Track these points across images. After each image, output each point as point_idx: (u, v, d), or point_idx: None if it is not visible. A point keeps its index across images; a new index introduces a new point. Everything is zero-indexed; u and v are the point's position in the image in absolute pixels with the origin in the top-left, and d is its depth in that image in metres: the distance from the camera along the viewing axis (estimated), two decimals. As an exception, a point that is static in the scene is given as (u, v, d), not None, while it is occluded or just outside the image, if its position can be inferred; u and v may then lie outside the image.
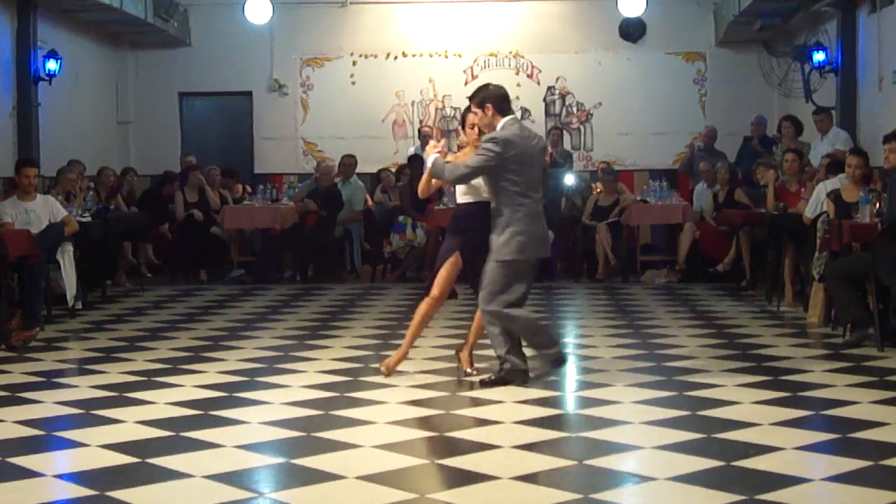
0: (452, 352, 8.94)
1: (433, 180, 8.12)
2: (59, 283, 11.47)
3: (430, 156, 7.97)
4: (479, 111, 7.96)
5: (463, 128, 8.41)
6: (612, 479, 5.54)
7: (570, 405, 7.45)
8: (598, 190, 15.43)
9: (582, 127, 18.30)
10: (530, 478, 5.45)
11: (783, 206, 12.04)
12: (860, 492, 5.18)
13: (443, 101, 18.29)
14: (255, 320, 11.35)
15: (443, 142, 8.37)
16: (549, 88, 18.28)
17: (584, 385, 7.92)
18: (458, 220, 8.17)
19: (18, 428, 6.63)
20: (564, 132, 17.72)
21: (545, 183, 15.48)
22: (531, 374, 7.88)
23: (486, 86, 8.08)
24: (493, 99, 7.91)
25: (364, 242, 15.80)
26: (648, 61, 18.12)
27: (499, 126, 7.86)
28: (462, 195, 8.10)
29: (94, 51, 17.46)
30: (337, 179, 15.60)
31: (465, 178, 7.87)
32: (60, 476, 5.68)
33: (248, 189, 16.41)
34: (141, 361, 8.89)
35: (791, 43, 16.42)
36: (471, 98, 8.07)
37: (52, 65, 14.88)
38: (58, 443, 6.38)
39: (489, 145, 7.70)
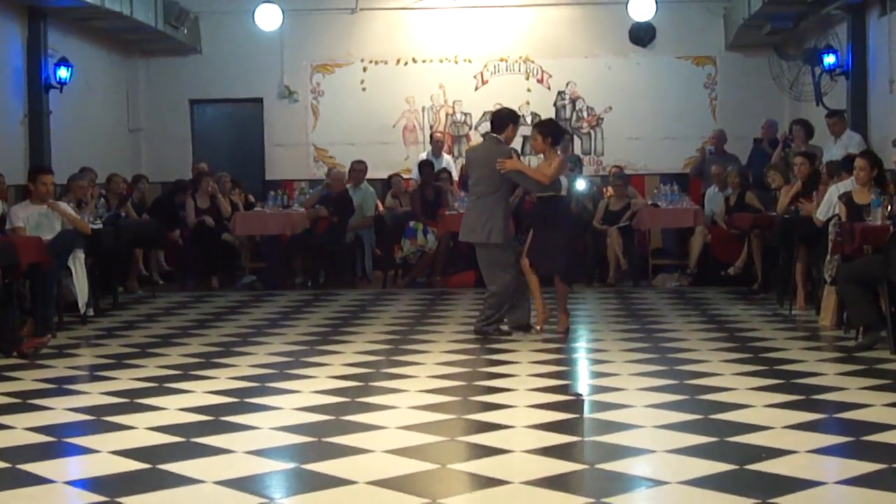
0: (464, 357, 9.07)
1: None
2: (70, 290, 11.48)
3: None
4: None
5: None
6: (624, 482, 5.51)
7: (582, 409, 7.42)
8: (609, 194, 15.41)
9: (592, 131, 18.27)
10: (542, 482, 5.43)
11: (794, 209, 12.01)
12: (874, 495, 5.16)
13: (453, 107, 18.27)
14: (266, 326, 11.35)
15: None
16: (559, 93, 18.25)
17: (596, 389, 7.91)
18: None
19: (29, 434, 6.63)
20: (575, 137, 17.71)
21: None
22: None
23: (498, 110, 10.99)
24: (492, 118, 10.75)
25: (375, 248, 15.79)
26: (658, 65, 18.09)
27: None
28: None
29: (105, 58, 17.49)
30: (347, 185, 15.59)
31: None
32: (71, 482, 5.66)
33: (252, 198, 16.40)
34: (152, 368, 8.89)
35: (801, 46, 16.37)
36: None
37: (62, 72, 14.91)
38: (69, 449, 6.38)
39: None
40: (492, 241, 10.22)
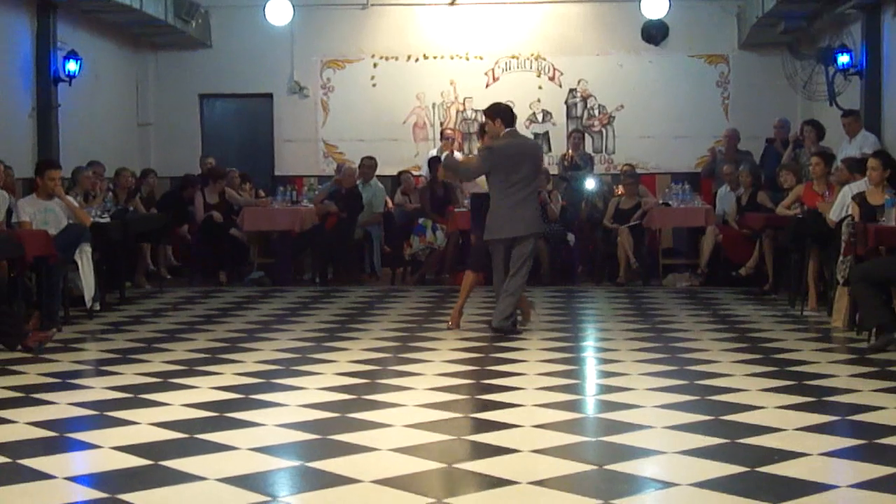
0: (472, 355, 9.10)
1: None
2: (77, 285, 11.42)
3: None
4: (489, 121, 10.44)
5: (480, 136, 10.93)
6: (633, 484, 5.43)
7: (591, 409, 7.35)
8: (620, 192, 15.32)
9: (604, 130, 18.17)
10: (549, 482, 5.35)
11: (807, 208, 11.93)
12: (888, 499, 5.06)
13: (464, 104, 18.17)
14: (273, 322, 11.28)
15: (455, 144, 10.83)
16: (570, 91, 18.15)
17: (605, 389, 7.82)
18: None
19: (31, 429, 6.55)
20: (586, 135, 17.60)
21: (567, 185, 15.53)
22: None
23: (499, 103, 10.71)
24: (501, 113, 10.43)
25: (384, 245, 15.72)
26: (671, 64, 17.98)
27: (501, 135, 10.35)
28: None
29: (115, 52, 17.42)
30: (357, 181, 15.52)
31: (469, 176, 10.85)
32: (72, 478, 5.58)
33: (262, 193, 16.37)
34: (157, 363, 8.82)
35: (815, 45, 16.25)
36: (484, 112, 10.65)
37: (71, 66, 14.83)
38: (71, 444, 6.30)
39: (484, 153, 10.37)
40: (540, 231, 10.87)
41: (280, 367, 8.61)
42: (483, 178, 10.47)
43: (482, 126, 10.95)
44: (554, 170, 16.60)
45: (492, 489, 5.31)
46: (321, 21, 18.09)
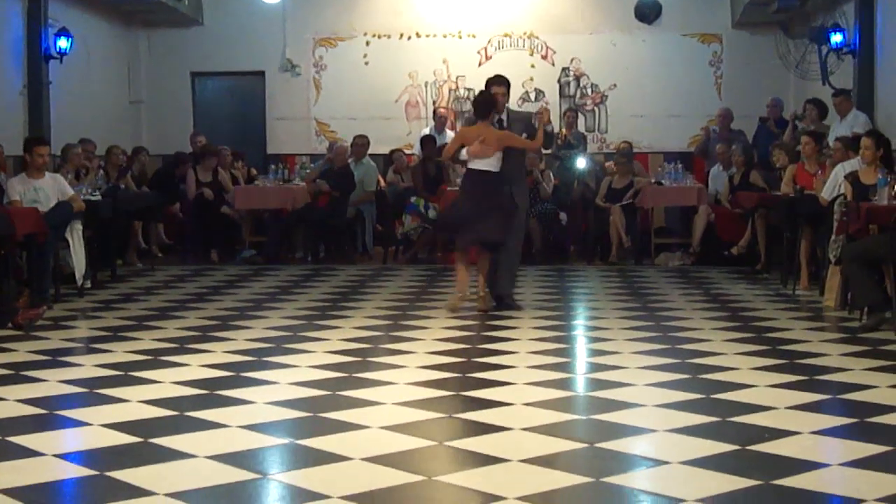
0: (463, 333, 9.09)
1: None
2: (67, 262, 11.38)
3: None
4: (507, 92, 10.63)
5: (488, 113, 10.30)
6: (624, 462, 5.42)
7: (582, 387, 7.34)
8: (613, 170, 15.30)
9: (596, 109, 18.15)
10: (541, 460, 5.34)
11: (800, 188, 11.91)
12: (878, 477, 5.06)
13: (456, 82, 18.14)
14: (264, 300, 11.26)
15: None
16: (563, 70, 18.13)
17: (597, 367, 7.81)
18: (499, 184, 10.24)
19: (20, 406, 6.53)
20: (579, 114, 17.56)
21: (560, 164, 15.49)
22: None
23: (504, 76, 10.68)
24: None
25: (376, 224, 15.70)
26: (664, 43, 17.95)
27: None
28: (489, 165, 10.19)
29: (106, 29, 17.35)
30: (349, 160, 15.48)
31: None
32: (62, 456, 5.56)
33: (254, 171, 16.37)
34: (148, 341, 8.80)
35: (808, 24, 16.22)
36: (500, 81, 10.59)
37: (63, 43, 14.77)
38: (60, 422, 6.27)
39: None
40: None
41: (271, 345, 8.59)
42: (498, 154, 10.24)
43: (488, 102, 10.38)
44: (547, 148, 16.58)
45: (482, 467, 5.30)
46: (313, -1, 18.04)
